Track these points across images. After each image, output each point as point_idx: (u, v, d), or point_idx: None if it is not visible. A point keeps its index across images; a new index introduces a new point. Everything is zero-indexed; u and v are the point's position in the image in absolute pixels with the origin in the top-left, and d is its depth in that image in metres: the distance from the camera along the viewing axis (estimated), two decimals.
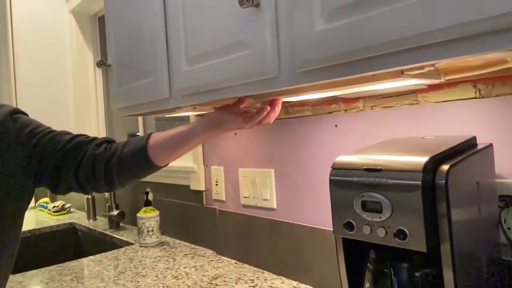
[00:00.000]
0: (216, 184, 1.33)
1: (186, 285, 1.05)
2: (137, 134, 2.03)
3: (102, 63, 1.18)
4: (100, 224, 1.87)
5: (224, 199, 1.31)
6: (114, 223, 1.77)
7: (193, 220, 1.43)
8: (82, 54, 2.27)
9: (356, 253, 0.65)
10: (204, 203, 1.39)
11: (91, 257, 1.37)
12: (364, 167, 0.58)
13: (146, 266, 1.23)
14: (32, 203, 2.53)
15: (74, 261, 1.34)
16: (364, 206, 0.57)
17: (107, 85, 2.34)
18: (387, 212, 0.55)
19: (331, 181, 0.61)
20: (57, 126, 2.19)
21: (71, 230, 1.99)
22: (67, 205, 2.25)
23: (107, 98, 2.34)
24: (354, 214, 0.58)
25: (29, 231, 1.87)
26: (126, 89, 1.12)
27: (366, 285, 0.62)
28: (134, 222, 1.77)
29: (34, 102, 2.13)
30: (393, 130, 0.84)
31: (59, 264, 1.31)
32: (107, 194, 1.98)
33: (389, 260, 0.59)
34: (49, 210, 2.27)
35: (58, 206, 2.22)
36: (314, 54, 0.57)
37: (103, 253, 1.40)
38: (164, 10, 0.94)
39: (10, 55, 2.09)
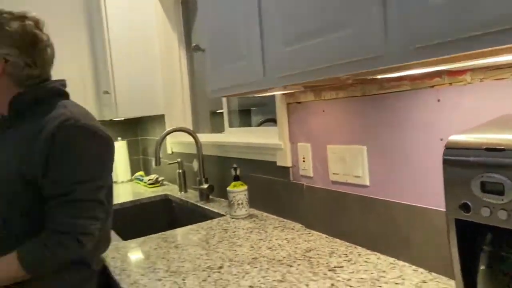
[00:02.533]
0: (303, 161, 1.36)
1: (281, 256, 1.11)
2: (221, 111, 2.12)
3: (197, 48, 1.24)
4: (191, 196, 2.02)
5: (311, 175, 1.33)
6: (204, 196, 1.90)
7: (280, 194, 1.48)
8: (168, 37, 2.40)
9: (467, 234, 0.63)
10: (291, 179, 1.42)
11: (190, 227, 1.49)
12: (484, 147, 0.55)
13: (240, 236, 1.31)
14: (128, 176, 2.80)
15: (176, 229, 1.48)
16: (484, 187, 0.55)
17: (192, 67, 2.45)
18: (510, 193, 0.53)
19: (445, 161, 0.60)
20: (148, 104, 2.39)
21: (165, 201, 2.17)
22: (160, 178, 2.45)
23: (191, 79, 2.46)
24: (471, 196, 0.57)
25: (131, 201, 2.09)
26: (220, 72, 1.17)
27: (481, 268, 0.60)
28: (222, 195, 1.89)
29: (128, 81, 2.32)
30: (506, 105, 0.77)
31: (163, 232, 1.45)
32: (196, 168, 2.12)
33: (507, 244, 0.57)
34: (144, 182, 2.50)
35: (152, 179, 2.43)
36: (428, 29, 0.55)
37: (199, 223, 1.52)
38: None
39: (106, 39, 2.28)
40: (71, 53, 2.48)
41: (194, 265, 1.11)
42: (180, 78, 2.44)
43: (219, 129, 2.22)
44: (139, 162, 3.03)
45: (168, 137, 2.42)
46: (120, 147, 2.80)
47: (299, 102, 1.37)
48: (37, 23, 1.06)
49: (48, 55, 1.07)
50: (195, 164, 2.13)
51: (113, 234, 1.50)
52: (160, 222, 2.13)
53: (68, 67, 2.48)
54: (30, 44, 1.02)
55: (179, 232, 1.44)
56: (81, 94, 2.52)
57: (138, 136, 3.06)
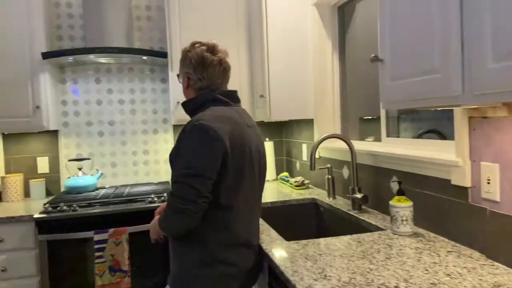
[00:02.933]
0: (488, 182, 1.22)
1: (464, 286, 1.02)
2: (369, 117, 2.06)
3: (376, 59, 1.23)
4: (341, 204, 2.02)
5: (498, 199, 1.19)
6: (357, 205, 1.87)
7: (453, 216, 1.37)
8: (322, 42, 2.43)
9: None
10: (470, 201, 1.30)
11: (350, 236, 1.49)
12: None
13: (410, 256, 1.26)
14: (274, 175, 2.93)
15: (337, 237, 1.49)
16: None
17: (342, 71, 2.44)
18: None
19: None
20: (298, 109, 2.49)
21: (313, 205, 2.22)
22: (306, 181, 2.51)
23: (341, 85, 2.45)
24: None
25: (281, 201, 2.19)
26: (400, 84, 1.13)
27: None
28: (375, 206, 1.83)
29: (281, 86, 2.43)
30: None
31: (324, 238, 1.48)
32: (346, 176, 2.11)
33: None
34: (290, 184, 2.60)
35: (298, 182, 2.51)
36: None
37: (359, 234, 1.50)
38: (461, 8, 0.90)
39: (265, 45, 2.42)
40: (233, 60, 2.72)
41: (366, 279, 1.10)
42: (332, 83, 2.46)
43: (367, 136, 2.16)
44: (283, 163, 3.16)
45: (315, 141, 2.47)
46: (267, 148, 2.96)
47: (485, 117, 1.24)
48: (208, 48, 1.40)
49: (216, 71, 1.39)
50: (346, 171, 2.12)
51: (274, 233, 1.60)
52: (308, 225, 2.19)
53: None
54: (200, 64, 1.38)
55: (340, 241, 1.45)
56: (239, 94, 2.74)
57: (283, 138, 3.19)
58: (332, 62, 2.45)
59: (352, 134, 2.40)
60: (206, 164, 1.21)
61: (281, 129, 3.19)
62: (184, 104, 1.42)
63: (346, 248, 1.36)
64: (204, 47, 1.39)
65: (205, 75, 1.38)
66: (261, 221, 1.80)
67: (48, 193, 2.75)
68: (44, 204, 2.27)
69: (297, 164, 2.86)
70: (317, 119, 2.47)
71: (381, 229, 1.57)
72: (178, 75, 1.49)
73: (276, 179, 2.94)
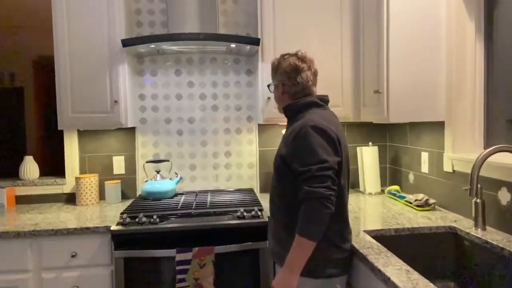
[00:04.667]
0: None
1: None
2: None
3: None
4: (497, 239, 1.49)
5: None
6: None
7: None
8: (460, 23, 1.88)
9: None
10: None
11: None
12: None
13: None
14: (378, 188, 2.44)
15: None
16: None
17: (488, 61, 1.87)
18: None
19: None
20: (426, 105, 2.02)
21: (451, 236, 1.70)
22: (431, 201, 1.99)
23: (486, 76, 1.88)
24: None
25: (408, 229, 1.70)
26: None
27: None
28: None
29: (404, 74, 1.92)
30: None
31: None
32: (506, 201, 1.57)
33: None
34: (407, 201, 2.09)
35: (421, 200, 2.00)
36: None
37: None
38: None
39: (383, 21, 1.93)
40: (335, 48, 2.26)
41: None
42: (473, 76, 1.90)
43: None
44: (386, 173, 2.65)
45: (448, 150, 1.93)
46: (370, 153, 2.46)
47: None
48: (299, 57, 1.56)
49: (307, 77, 1.55)
50: (506, 195, 1.58)
51: (416, 275, 1.13)
52: (444, 264, 1.68)
53: (329, 64, 2.27)
54: (294, 71, 1.54)
55: None
56: (339, 90, 2.28)
57: (387, 142, 2.67)
58: (474, 49, 1.89)
59: (496, 140, 1.83)
60: (334, 159, 1.36)
61: (384, 132, 2.67)
62: (286, 108, 1.57)
63: None
64: (294, 57, 1.56)
65: (299, 80, 1.54)
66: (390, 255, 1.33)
67: (123, 196, 2.50)
68: (121, 214, 1.99)
69: (410, 176, 2.33)
70: (449, 122, 1.93)
71: None
72: (269, 85, 1.69)
73: (381, 193, 2.44)
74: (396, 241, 1.68)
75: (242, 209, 1.99)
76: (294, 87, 1.54)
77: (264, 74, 2.25)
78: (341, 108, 2.28)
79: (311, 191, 1.31)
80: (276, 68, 1.59)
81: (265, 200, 2.33)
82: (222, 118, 2.59)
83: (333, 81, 2.27)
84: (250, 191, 2.50)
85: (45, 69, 4.06)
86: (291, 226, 1.38)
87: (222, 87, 2.58)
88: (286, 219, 1.46)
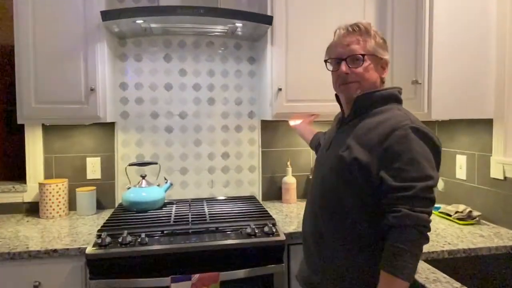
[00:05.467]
0: None
1: None
2: None
3: None
4: None
5: None
6: None
7: None
8: None
9: None
10: None
11: None
12: None
13: None
14: None
15: None
16: None
17: None
18: None
19: None
20: (472, 100, 1.72)
21: (509, 258, 1.40)
22: (475, 213, 1.68)
23: None
24: None
25: (464, 250, 1.38)
26: None
27: None
28: None
29: (449, 63, 1.61)
30: None
31: None
32: None
33: None
34: (444, 213, 1.78)
35: (463, 213, 1.69)
36: None
37: None
38: None
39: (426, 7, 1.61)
40: None
41: None
42: None
43: None
44: None
45: (497, 153, 1.63)
46: None
47: None
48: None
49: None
50: None
51: None
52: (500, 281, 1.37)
53: None
54: (385, 47, 1.20)
55: None
56: None
57: None
58: None
59: None
60: (437, 175, 1.06)
61: None
62: (364, 97, 1.17)
63: None
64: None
65: (388, 60, 1.21)
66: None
67: (99, 206, 2.06)
68: (99, 231, 1.57)
69: (440, 183, 2.03)
70: (500, 120, 1.64)
71: None
72: (363, 55, 1.15)
73: None
74: (453, 266, 1.36)
75: (252, 224, 1.61)
76: (384, 69, 1.20)
77: (274, 60, 1.89)
78: None
79: (413, 216, 0.99)
80: (374, 35, 1.18)
81: (273, 210, 1.96)
82: (219, 114, 2.20)
83: None
84: (252, 199, 2.13)
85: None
86: (350, 253, 1.09)
87: (220, 76, 2.19)
88: (341, 243, 1.12)
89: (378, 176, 1.05)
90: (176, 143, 2.16)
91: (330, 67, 1.23)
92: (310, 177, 2.18)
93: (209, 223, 1.66)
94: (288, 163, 2.19)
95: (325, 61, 1.25)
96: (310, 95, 1.91)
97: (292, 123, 2.01)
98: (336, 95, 1.29)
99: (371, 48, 1.16)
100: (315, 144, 1.68)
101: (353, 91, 1.18)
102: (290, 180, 2.17)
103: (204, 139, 2.19)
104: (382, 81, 1.21)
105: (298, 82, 1.90)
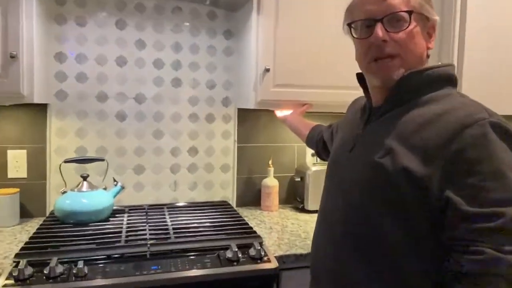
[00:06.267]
0: None
1: None
2: None
3: None
4: None
5: None
6: None
7: None
8: None
9: None
10: None
11: None
12: None
13: None
14: None
15: None
16: None
17: None
18: None
19: None
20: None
21: None
22: None
23: None
24: None
25: None
26: None
27: None
28: None
29: (481, 71, 1.31)
30: None
31: None
32: None
33: None
34: None
35: None
36: None
37: None
38: None
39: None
40: None
41: None
42: None
43: None
44: None
45: None
46: None
47: None
48: None
49: None
50: None
51: None
52: None
53: None
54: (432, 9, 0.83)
55: None
56: None
57: None
58: None
59: None
60: None
61: None
62: (416, 75, 0.80)
63: None
64: None
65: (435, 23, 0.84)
66: None
67: (24, 214, 1.56)
68: (17, 258, 1.10)
69: None
70: None
71: None
72: (410, 13, 0.79)
73: None
74: None
75: (233, 245, 1.21)
76: (431, 37, 0.85)
77: (261, 33, 1.49)
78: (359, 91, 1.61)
79: (502, 260, 0.65)
80: None
81: (253, 221, 1.57)
82: (186, 99, 1.77)
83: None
84: (225, 205, 1.73)
85: None
86: None
87: (188, 52, 1.75)
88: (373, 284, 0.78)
89: (442, 197, 0.71)
90: (130, 134, 1.70)
91: (356, 33, 0.86)
92: (297, 179, 1.82)
93: (174, 243, 1.24)
94: (270, 162, 1.81)
95: (348, 25, 0.87)
96: (303, 79, 1.54)
97: (279, 114, 1.63)
98: (360, 75, 0.93)
99: (417, 3, 0.80)
100: (315, 140, 1.31)
101: (393, 69, 0.82)
102: (271, 183, 1.79)
103: (167, 130, 1.75)
104: (428, 54, 0.86)
105: (290, 62, 1.52)
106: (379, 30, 0.79)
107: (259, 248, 1.22)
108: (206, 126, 1.80)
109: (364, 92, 0.93)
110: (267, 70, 1.49)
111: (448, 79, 0.82)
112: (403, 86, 0.81)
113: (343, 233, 0.83)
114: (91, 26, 1.62)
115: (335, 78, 1.54)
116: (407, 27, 0.79)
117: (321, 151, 1.29)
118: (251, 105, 1.55)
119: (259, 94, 1.51)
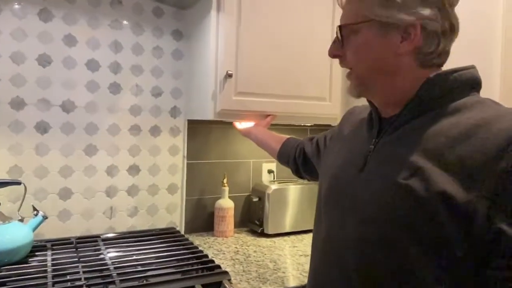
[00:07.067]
0: None
1: None
2: None
3: None
4: None
5: None
6: None
7: None
8: None
9: None
10: None
11: None
12: None
13: None
14: None
15: None
16: None
17: None
18: None
19: None
20: None
21: None
22: None
23: None
24: None
25: None
26: None
27: None
28: None
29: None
30: None
31: None
32: None
33: None
34: None
35: None
36: None
37: None
38: None
39: None
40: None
41: None
42: None
43: None
44: None
45: None
46: None
47: None
48: None
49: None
50: None
51: None
52: None
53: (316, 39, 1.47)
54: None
55: None
56: (326, 76, 1.50)
57: None
58: None
59: None
60: None
61: None
62: (442, 78, 0.67)
63: None
64: None
65: (452, 24, 0.68)
66: None
67: None
68: None
69: None
70: None
71: None
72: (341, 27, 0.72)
73: None
74: None
75: (198, 287, 0.97)
76: (443, 39, 0.68)
77: (221, 33, 1.30)
78: (328, 103, 1.50)
79: None
80: None
81: (209, 251, 1.33)
82: (127, 108, 1.49)
83: (320, 60, 1.46)
84: (173, 232, 1.47)
85: None
86: None
87: (130, 52, 1.49)
88: None
89: (490, 229, 0.57)
90: (54, 150, 1.37)
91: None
92: (254, 199, 1.63)
93: (120, 285, 0.97)
94: (225, 180, 1.60)
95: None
96: (268, 87, 1.38)
97: (239, 125, 1.44)
98: None
99: (367, 11, 0.69)
100: (294, 156, 1.14)
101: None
102: (226, 204, 1.58)
103: (102, 145, 1.45)
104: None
105: (254, 68, 1.35)
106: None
107: None
108: (150, 140, 1.54)
109: (369, 101, 0.79)
110: (229, 75, 1.30)
111: (474, 83, 0.71)
112: (428, 92, 0.68)
113: (358, 268, 0.66)
114: (6, 16, 1.29)
115: (304, 87, 1.41)
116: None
117: (302, 168, 1.12)
118: (209, 116, 1.33)
119: (219, 103, 1.31)
